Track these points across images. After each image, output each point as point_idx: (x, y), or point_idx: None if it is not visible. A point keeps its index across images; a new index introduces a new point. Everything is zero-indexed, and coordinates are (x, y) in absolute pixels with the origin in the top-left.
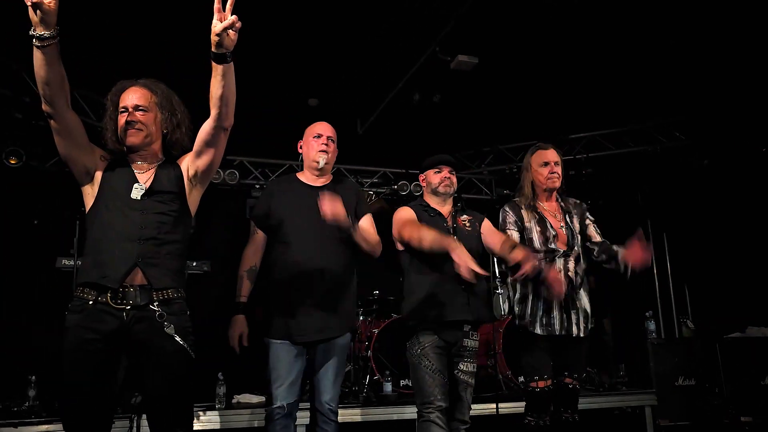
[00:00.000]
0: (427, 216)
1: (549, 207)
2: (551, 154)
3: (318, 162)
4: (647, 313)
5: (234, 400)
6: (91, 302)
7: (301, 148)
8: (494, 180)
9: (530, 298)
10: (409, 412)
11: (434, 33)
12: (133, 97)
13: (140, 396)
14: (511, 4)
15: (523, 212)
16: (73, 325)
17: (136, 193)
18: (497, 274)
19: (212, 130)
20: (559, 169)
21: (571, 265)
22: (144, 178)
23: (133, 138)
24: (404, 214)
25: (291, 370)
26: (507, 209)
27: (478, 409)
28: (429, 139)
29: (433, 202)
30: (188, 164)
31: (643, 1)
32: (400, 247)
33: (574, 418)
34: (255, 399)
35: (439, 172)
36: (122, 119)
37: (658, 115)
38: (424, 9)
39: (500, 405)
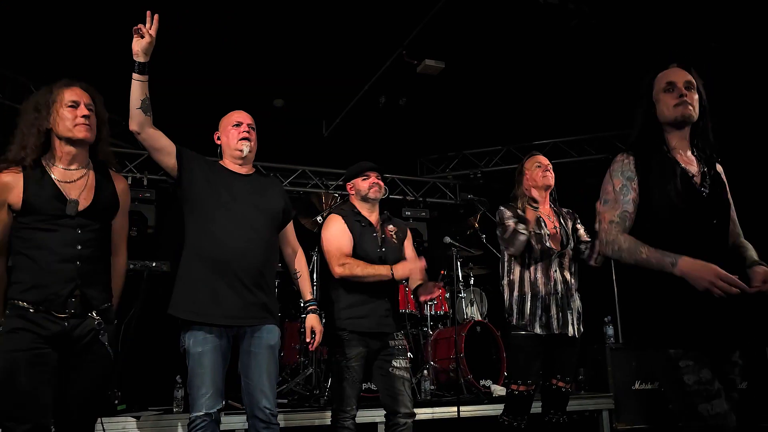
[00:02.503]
0: (359, 226)
1: (543, 210)
2: (543, 159)
3: (242, 150)
4: (606, 318)
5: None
6: (32, 310)
7: (218, 139)
8: (458, 185)
9: (528, 297)
10: (369, 415)
11: (401, 36)
12: (82, 94)
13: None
14: (478, 10)
15: (520, 212)
16: (13, 328)
17: (71, 209)
18: (460, 279)
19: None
20: (551, 170)
21: (566, 265)
22: (76, 190)
23: (86, 132)
24: (335, 236)
25: (216, 372)
26: (503, 208)
27: (439, 412)
28: (394, 142)
29: (363, 209)
30: (120, 202)
31: (607, 11)
32: (326, 257)
33: (563, 419)
34: None
35: (366, 178)
36: (72, 113)
37: (618, 125)
38: (392, 12)
39: (462, 408)
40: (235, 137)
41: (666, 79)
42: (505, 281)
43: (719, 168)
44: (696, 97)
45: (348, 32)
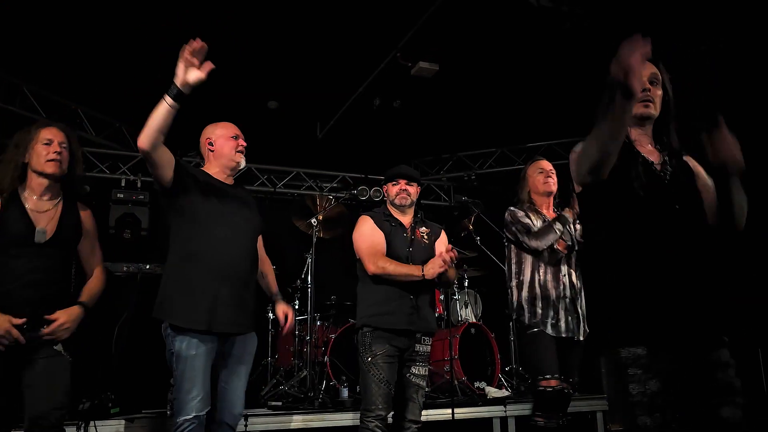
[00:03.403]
0: (389, 225)
1: (547, 214)
2: (546, 164)
3: (239, 163)
4: None
5: None
6: None
7: (211, 145)
8: (453, 187)
9: (539, 298)
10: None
11: (396, 39)
12: (57, 133)
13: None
14: (472, 13)
15: (528, 213)
16: None
17: (39, 236)
18: (455, 281)
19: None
20: (554, 176)
21: (573, 267)
22: (45, 219)
23: (55, 168)
24: (366, 235)
25: (206, 375)
26: (513, 209)
27: (434, 414)
28: (389, 144)
29: (394, 212)
30: (84, 229)
31: (600, 14)
32: (359, 255)
33: (562, 421)
34: None
35: (396, 184)
36: (45, 150)
37: None
38: (386, 15)
39: (456, 411)
40: (233, 149)
41: None
42: (514, 282)
43: (688, 159)
44: (659, 92)
45: (342, 34)
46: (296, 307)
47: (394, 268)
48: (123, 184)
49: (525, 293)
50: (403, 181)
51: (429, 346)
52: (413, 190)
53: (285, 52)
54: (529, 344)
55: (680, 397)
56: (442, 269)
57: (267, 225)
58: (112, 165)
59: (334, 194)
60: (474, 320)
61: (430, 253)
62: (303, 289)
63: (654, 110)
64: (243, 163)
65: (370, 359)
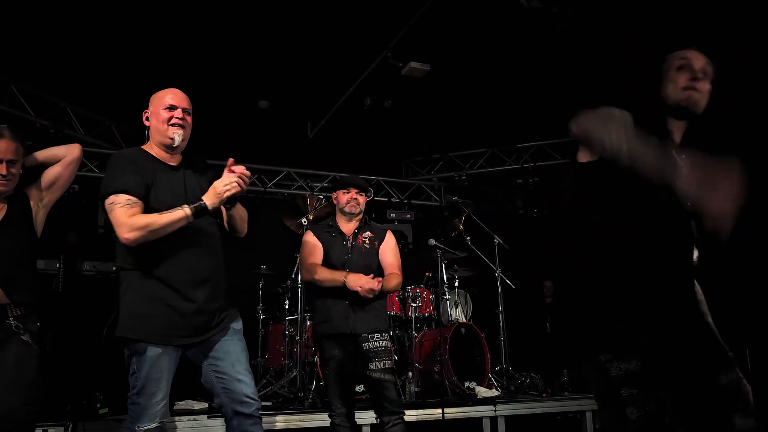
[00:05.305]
0: (328, 236)
1: None
2: None
3: (173, 139)
4: None
5: (175, 407)
6: None
7: (147, 119)
8: (443, 187)
9: None
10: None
11: (387, 39)
12: (8, 150)
13: None
14: (463, 13)
15: None
16: None
17: None
18: (445, 281)
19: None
20: None
21: None
22: None
23: (3, 188)
24: (307, 247)
25: (170, 381)
26: None
27: (424, 414)
28: (379, 144)
29: (340, 219)
30: (36, 194)
31: (591, 15)
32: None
33: None
34: (197, 405)
35: (347, 192)
36: None
37: None
38: (378, 15)
39: (446, 410)
40: (166, 122)
41: (683, 55)
42: None
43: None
44: (708, 87)
45: (334, 34)
46: (286, 306)
47: (319, 274)
48: None
49: None
50: (354, 190)
51: (381, 342)
52: (363, 200)
53: (276, 52)
54: None
55: (686, 412)
56: (361, 288)
57: (258, 225)
58: (101, 164)
59: (324, 194)
60: (464, 320)
61: (371, 258)
62: (293, 289)
63: (701, 103)
64: (177, 140)
65: (322, 362)
